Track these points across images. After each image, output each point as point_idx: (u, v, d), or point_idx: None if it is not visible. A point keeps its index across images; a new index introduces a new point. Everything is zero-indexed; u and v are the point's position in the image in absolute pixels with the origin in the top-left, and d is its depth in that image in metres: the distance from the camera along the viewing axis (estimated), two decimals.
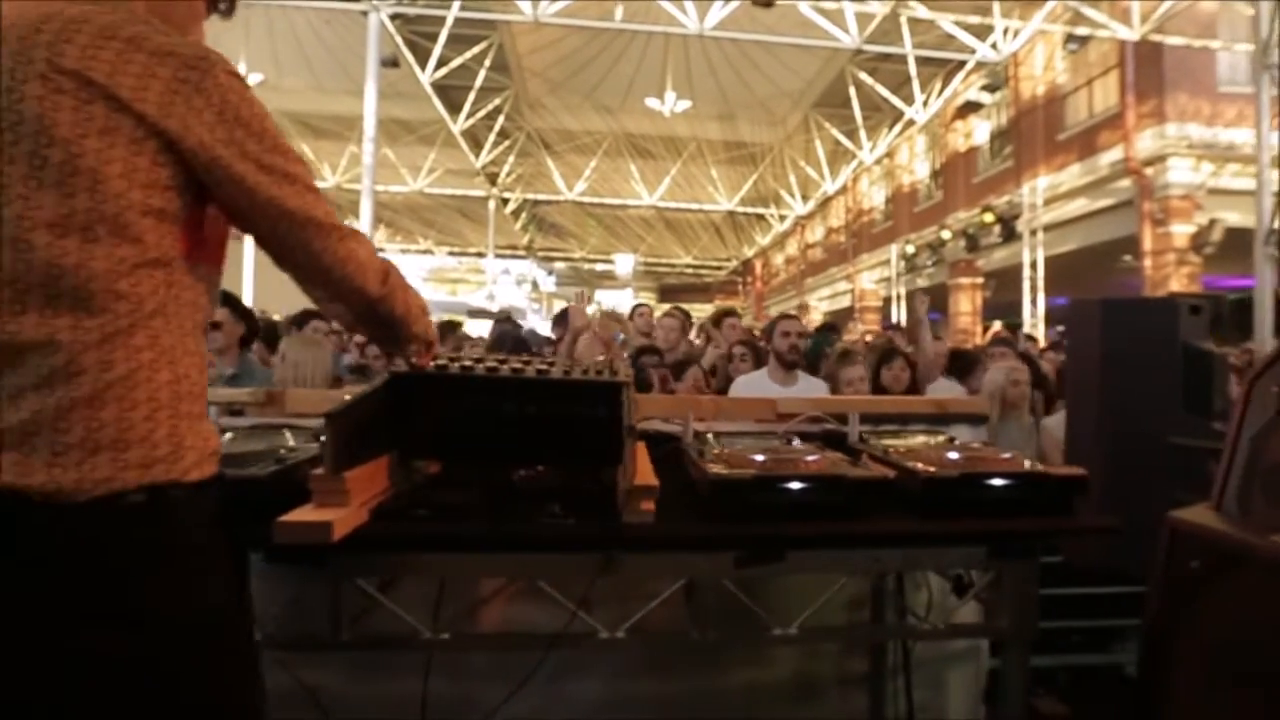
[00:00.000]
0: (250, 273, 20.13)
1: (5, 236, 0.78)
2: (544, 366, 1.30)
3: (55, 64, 0.80)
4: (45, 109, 0.79)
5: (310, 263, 0.99)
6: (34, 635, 0.77)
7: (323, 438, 1.16)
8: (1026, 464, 1.33)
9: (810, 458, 1.27)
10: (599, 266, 28.91)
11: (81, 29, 0.83)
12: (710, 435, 1.56)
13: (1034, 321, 12.05)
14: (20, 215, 0.78)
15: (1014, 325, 12.64)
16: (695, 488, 1.27)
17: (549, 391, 1.21)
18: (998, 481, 1.22)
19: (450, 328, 5.77)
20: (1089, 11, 8.57)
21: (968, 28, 10.07)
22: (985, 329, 14.72)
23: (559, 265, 30.70)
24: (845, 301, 20.16)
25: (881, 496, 1.21)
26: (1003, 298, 13.91)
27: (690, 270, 29.37)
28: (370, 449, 1.19)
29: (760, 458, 1.25)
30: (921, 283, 15.96)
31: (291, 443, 1.40)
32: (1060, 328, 13.85)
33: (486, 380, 1.26)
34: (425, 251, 28.28)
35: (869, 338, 4.07)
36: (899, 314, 16.20)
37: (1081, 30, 9.09)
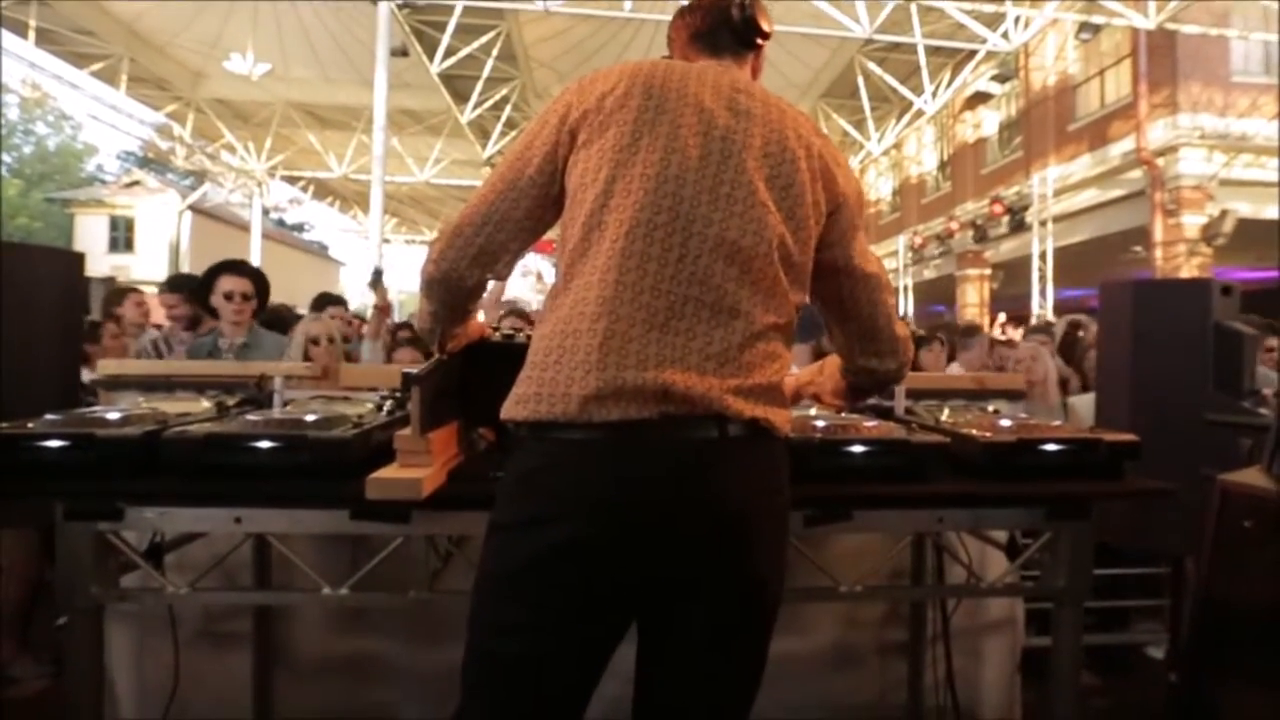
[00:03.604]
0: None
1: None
2: None
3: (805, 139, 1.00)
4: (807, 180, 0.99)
5: None
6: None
7: (405, 403, 1.20)
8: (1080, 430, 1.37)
9: (869, 424, 1.30)
10: None
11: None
12: None
13: (1042, 314, 12.04)
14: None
15: (1019, 319, 12.67)
16: None
17: None
18: (1053, 447, 1.26)
19: (378, 277, 5.40)
20: (1105, 1, 8.53)
21: (979, 17, 10.03)
22: (992, 320, 14.73)
23: None
24: None
25: (941, 460, 1.25)
26: (1011, 289, 13.90)
27: None
28: (445, 415, 1.23)
29: (822, 423, 1.29)
30: (929, 274, 15.95)
31: (359, 411, 1.43)
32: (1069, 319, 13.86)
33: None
34: (430, 242, 28.30)
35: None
36: (906, 307, 16.20)
37: (1097, 19, 9.04)
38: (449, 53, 12.15)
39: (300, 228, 34.88)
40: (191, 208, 21.21)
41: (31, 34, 12.93)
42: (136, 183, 21.93)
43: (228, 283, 2.68)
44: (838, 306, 1.09)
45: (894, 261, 16.92)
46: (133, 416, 1.23)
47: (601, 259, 0.91)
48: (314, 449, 1.15)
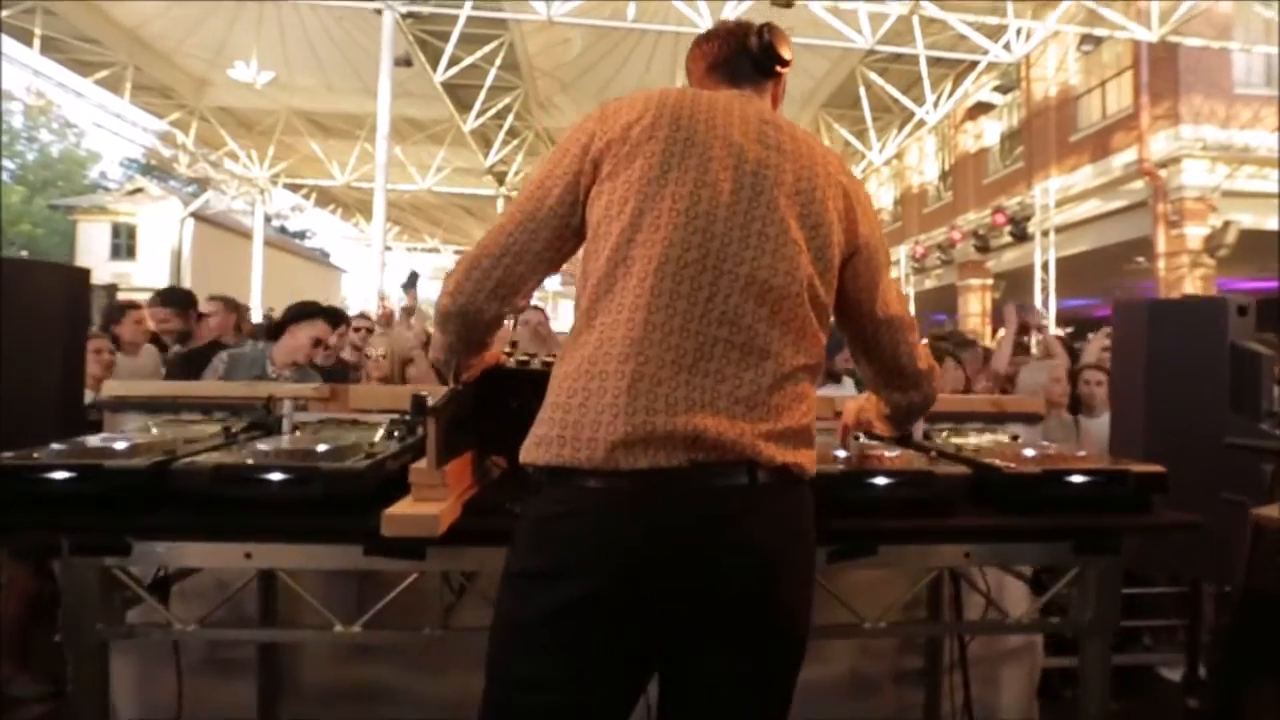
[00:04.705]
0: (259, 274, 20.10)
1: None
2: None
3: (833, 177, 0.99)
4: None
5: None
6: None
7: (416, 428, 1.17)
8: (1104, 459, 1.34)
9: (890, 454, 1.28)
10: None
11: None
12: None
13: (1042, 340, 12.01)
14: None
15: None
16: None
17: None
18: (1079, 478, 1.24)
19: (414, 280, 5.43)
20: (1106, 12, 8.55)
21: (980, 28, 10.06)
22: (994, 330, 14.72)
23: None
24: None
25: (966, 492, 1.22)
26: (1013, 298, 13.89)
27: None
28: (461, 444, 1.21)
29: (843, 454, 1.26)
30: (930, 284, 15.95)
31: (370, 437, 1.41)
32: (1070, 329, 13.87)
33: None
34: (432, 250, 28.33)
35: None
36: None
37: (1100, 31, 9.06)
38: (452, 62, 12.18)
39: (302, 235, 34.96)
40: (194, 215, 21.24)
41: (36, 42, 12.98)
42: (139, 190, 21.96)
43: (318, 330, 2.80)
44: (861, 345, 1.08)
45: (895, 271, 16.93)
46: (140, 446, 1.21)
47: (629, 297, 0.88)
48: (326, 481, 1.12)
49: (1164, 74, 9.84)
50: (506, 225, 0.97)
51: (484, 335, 1.05)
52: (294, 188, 21.50)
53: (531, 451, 0.89)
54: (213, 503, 1.11)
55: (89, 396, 2.96)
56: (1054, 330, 12.31)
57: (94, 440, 1.23)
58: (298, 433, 1.48)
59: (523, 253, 0.95)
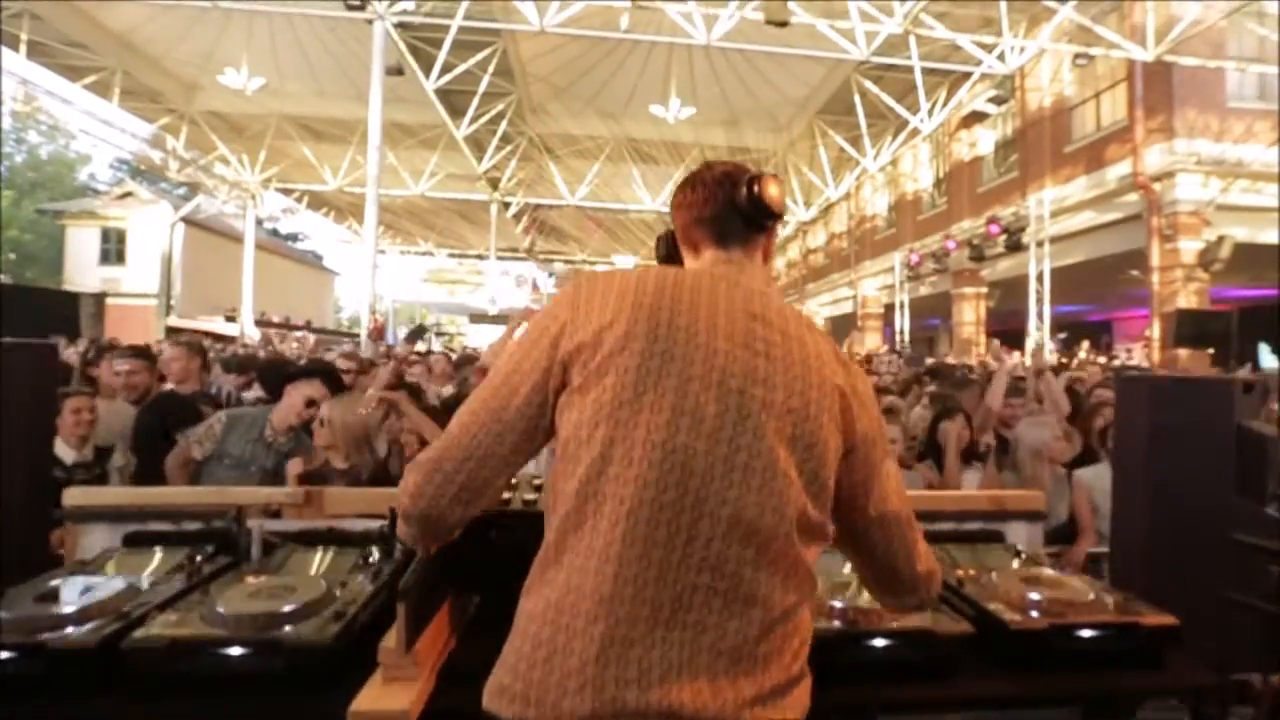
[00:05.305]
0: (250, 279, 19.94)
1: None
2: None
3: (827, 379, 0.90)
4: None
5: None
6: None
7: (396, 552, 1.11)
8: (1109, 600, 1.28)
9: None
10: (600, 267, 28.85)
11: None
12: None
13: (1039, 335, 12.02)
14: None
15: (1014, 334, 12.64)
16: None
17: None
18: (1088, 633, 1.18)
19: (419, 333, 5.56)
20: (1102, 31, 8.52)
21: (975, 43, 10.02)
22: (988, 337, 14.71)
23: (559, 266, 30.63)
24: (847, 307, 20.13)
25: (969, 648, 1.16)
26: (1007, 305, 13.88)
27: None
28: (434, 604, 1.14)
29: (839, 604, 1.20)
30: (925, 290, 15.93)
31: (342, 574, 1.33)
32: (1064, 335, 13.88)
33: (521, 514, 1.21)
34: (425, 253, 28.17)
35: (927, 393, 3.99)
36: (902, 322, 16.19)
37: (1096, 50, 9.03)
38: (445, 69, 12.08)
39: (295, 237, 34.72)
40: (184, 220, 21.04)
41: (23, 47, 12.81)
42: (129, 194, 21.74)
43: (313, 390, 2.71)
44: (852, 544, 0.97)
45: (890, 278, 16.91)
46: (92, 608, 1.13)
47: (600, 541, 0.80)
48: (289, 655, 1.05)
49: (1158, 88, 9.82)
50: (470, 426, 0.88)
51: (449, 535, 0.96)
52: (285, 192, 21.34)
53: (494, 699, 0.81)
54: (167, 682, 1.04)
55: (71, 456, 2.88)
56: (1047, 337, 12.35)
57: (40, 607, 1.15)
58: (263, 578, 1.36)
59: (487, 457, 0.87)
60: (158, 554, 1.43)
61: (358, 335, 14.63)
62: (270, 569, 1.39)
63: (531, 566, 0.86)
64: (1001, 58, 10.21)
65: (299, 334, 16.16)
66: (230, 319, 19.88)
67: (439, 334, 31.00)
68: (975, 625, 1.20)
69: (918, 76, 11.45)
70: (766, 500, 0.82)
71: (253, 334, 17.81)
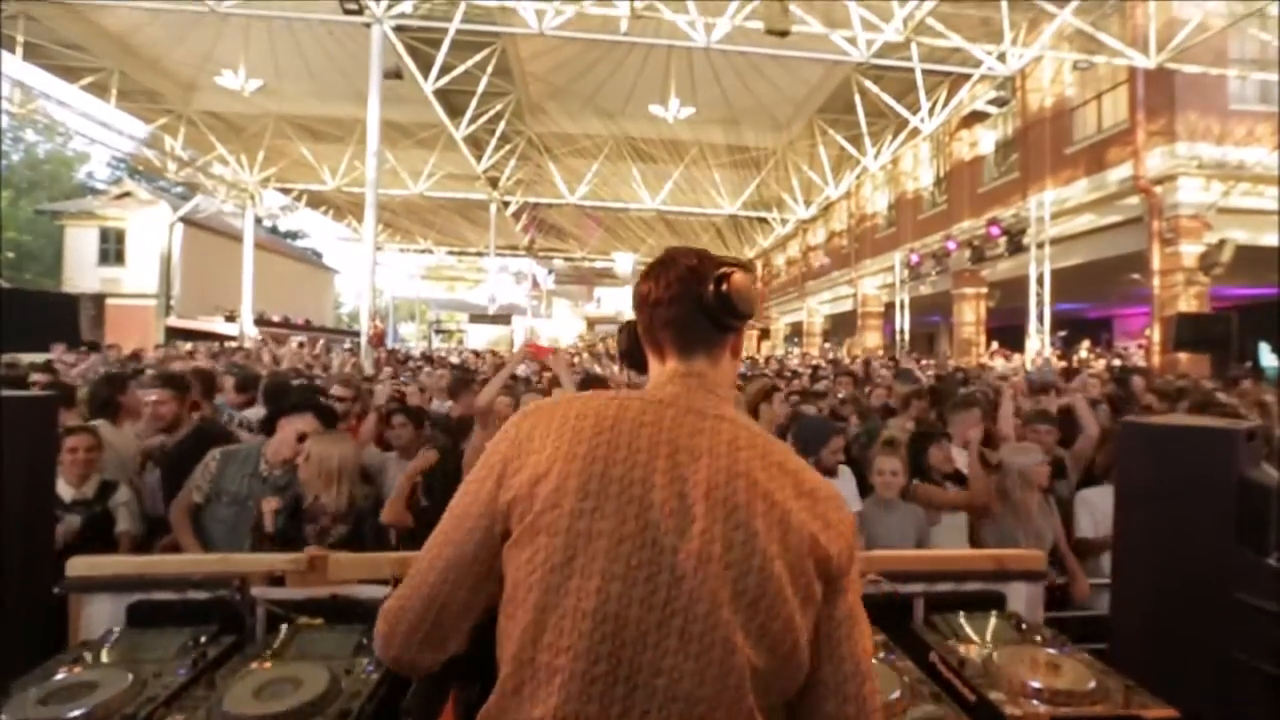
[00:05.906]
0: (250, 278, 19.93)
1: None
2: None
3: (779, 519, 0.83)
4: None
5: None
6: None
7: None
8: (1111, 687, 1.29)
9: (893, 695, 1.22)
10: (599, 264, 28.79)
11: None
12: None
13: (1040, 336, 12.02)
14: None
15: (1013, 334, 12.64)
16: None
17: None
18: None
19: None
20: (1104, 38, 8.47)
21: (977, 43, 9.97)
22: (988, 339, 14.71)
23: (559, 263, 30.57)
24: (847, 305, 20.11)
25: None
26: (1007, 304, 13.87)
27: None
28: (438, 708, 1.15)
29: None
30: (925, 290, 15.92)
31: (345, 660, 1.34)
32: (1064, 333, 13.87)
33: None
34: (425, 251, 28.13)
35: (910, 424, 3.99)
36: (902, 321, 16.18)
37: (1099, 58, 8.98)
38: (444, 70, 12.03)
39: (294, 235, 34.65)
40: (183, 219, 21.01)
41: (19, 49, 12.75)
42: (127, 194, 21.68)
43: (305, 425, 2.71)
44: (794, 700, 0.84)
45: (890, 277, 16.90)
46: (98, 710, 1.14)
47: (538, 712, 0.76)
48: None
49: (1160, 90, 9.78)
50: (428, 575, 0.87)
51: (425, 673, 0.93)
52: (284, 192, 21.29)
53: None
54: None
55: (69, 494, 2.88)
56: (1047, 338, 12.34)
57: (47, 711, 1.16)
58: (268, 666, 1.36)
59: (449, 603, 0.86)
60: (161, 635, 1.44)
61: (358, 333, 14.63)
62: (274, 651, 1.40)
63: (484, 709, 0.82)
64: (1002, 59, 10.17)
65: (302, 336, 16.13)
66: (230, 319, 19.88)
67: (439, 331, 31.01)
68: (975, 715, 1.21)
69: (918, 79, 11.41)
70: (705, 670, 0.76)
71: (252, 334, 17.81)
